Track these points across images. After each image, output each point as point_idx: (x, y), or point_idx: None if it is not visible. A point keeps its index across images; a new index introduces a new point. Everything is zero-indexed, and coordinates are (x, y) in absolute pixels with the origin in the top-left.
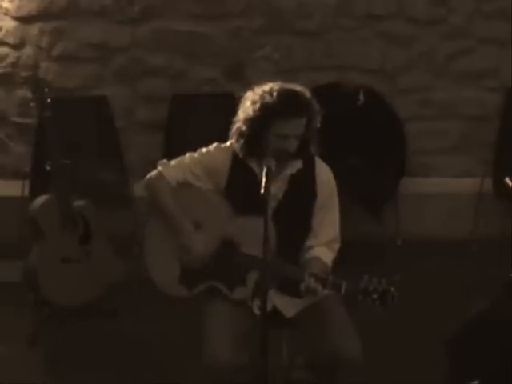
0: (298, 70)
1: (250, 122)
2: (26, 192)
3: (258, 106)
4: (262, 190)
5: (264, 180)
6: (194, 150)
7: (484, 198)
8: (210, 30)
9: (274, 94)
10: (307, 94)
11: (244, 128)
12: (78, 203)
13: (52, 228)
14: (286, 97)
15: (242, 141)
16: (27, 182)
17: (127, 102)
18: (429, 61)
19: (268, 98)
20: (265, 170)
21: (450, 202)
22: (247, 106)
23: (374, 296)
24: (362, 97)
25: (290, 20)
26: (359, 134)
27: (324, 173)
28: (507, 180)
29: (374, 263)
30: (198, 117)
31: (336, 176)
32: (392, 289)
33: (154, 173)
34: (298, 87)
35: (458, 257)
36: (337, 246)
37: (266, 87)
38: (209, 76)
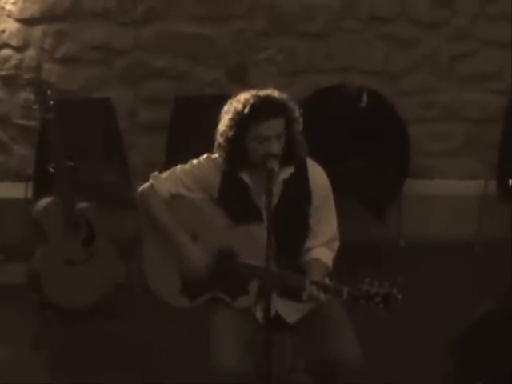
0: (301, 72)
1: (226, 133)
2: (30, 194)
3: (230, 115)
4: (265, 193)
5: (267, 182)
6: (197, 152)
7: (488, 199)
8: (212, 32)
9: (245, 100)
10: (282, 96)
11: (222, 140)
12: (81, 205)
13: (55, 230)
14: (257, 101)
15: (223, 154)
16: (30, 184)
17: (130, 103)
18: (432, 63)
19: (239, 106)
20: (268, 171)
21: (453, 203)
22: (223, 118)
23: (377, 299)
24: (365, 98)
25: (293, 22)
26: (362, 135)
27: (317, 174)
28: (510, 181)
29: (378, 265)
30: (201, 118)
31: (339, 178)
32: (394, 290)
33: (146, 186)
34: (273, 92)
35: (461, 258)
36: (336, 244)
37: (239, 96)
38: (212, 78)
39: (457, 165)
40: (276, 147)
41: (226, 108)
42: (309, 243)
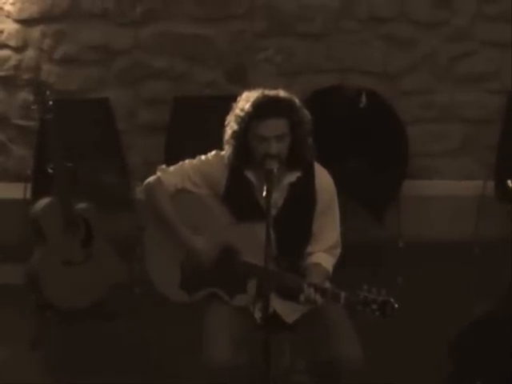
0: (300, 72)
1: (232, 128)
2: (28, 194)
3: (236, 111)
4: (264, 193)
5: (266, 183)
6: (196, 153)
7: (486, 200)
8: (211, 33)
9: (251, 98)
10: (289, 98)
11: (228, 137)
12: (80, 206)
13: (54, 231)
14: (259, 99)
15: (229, 150)
16: (29, 185)
17: (129, 104)
18: (431, 63)
19: (244, 104)
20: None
21: (452, 204)
22: (231, 114)
23: (374, 307)
24: (364, 99)
25: (291, 23)
26: (361, 136)
27: (323, 179)
28: (509, 182)
29: (376, 266)
30: (199, 119)
31: (338, 178)
32: (391, 299)
33: (152, 179)
34: (281, 92)
35: (460, 259)
36: (337, 251)
37: (247, 94)
38: (211, 78)
39: (455, 165)
40: (275, 148)
41: (235, 104)
42: (310, 248)
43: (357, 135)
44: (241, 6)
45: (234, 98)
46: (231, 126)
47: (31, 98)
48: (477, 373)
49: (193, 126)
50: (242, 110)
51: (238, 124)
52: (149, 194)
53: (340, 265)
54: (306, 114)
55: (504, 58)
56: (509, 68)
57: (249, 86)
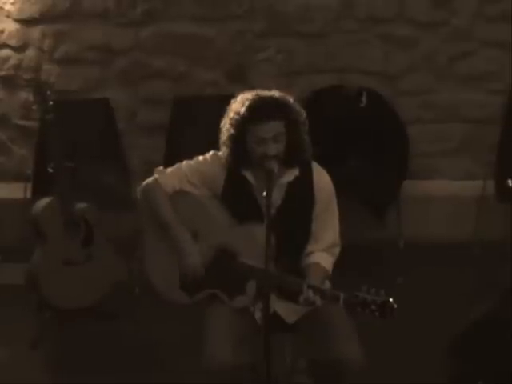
0: (300, 72)
1: (228, 131)
2: (29, 194)
3: (231, 114)
4: (264, 193)
5: (267, 183)
6: (196, 153)
7: (486, 200)
8: (211, 33)
9: (245, 101)
10: (284, 98)
11: (224, 139)
12: (80, 205)
13: (54, 230)
14: (254, 101)
15: (227, 152)
16: (29, 185)
17: (129, 104)
18: (431, 63)
19: (239, 106)
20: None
21: (452, 204)
22: (225, 117)
23: (373, 307)
24: (364, 99)
25: (291, 23)
26: (361, 136)
27: (322, 178)
28: (509, 182)
29: (377, 266)
30: (199, 119)
31: (338, 178)
32: (390, 300)
33: (149, 180)
34: (275, 93)
35: (460, 259)
36: (337, 250)
37: (240, 96)
38: (211, 78)
39: (455, 165)
40: (273, 149)
41: (229, 106)
42: (310, 247)
43: (357, 135)
44: (241, 6)
45: (233, 98)
46: (227, 128)
47: (31, 98)
48: (478, 373)
49: (193, 125)
50: (238, 113)
51: (235, 127)
52: (146, 196)
53: (340, 265)
54: (301, 112)
55: (504, 58)
56: (509, 68)
57: (249, 86)
